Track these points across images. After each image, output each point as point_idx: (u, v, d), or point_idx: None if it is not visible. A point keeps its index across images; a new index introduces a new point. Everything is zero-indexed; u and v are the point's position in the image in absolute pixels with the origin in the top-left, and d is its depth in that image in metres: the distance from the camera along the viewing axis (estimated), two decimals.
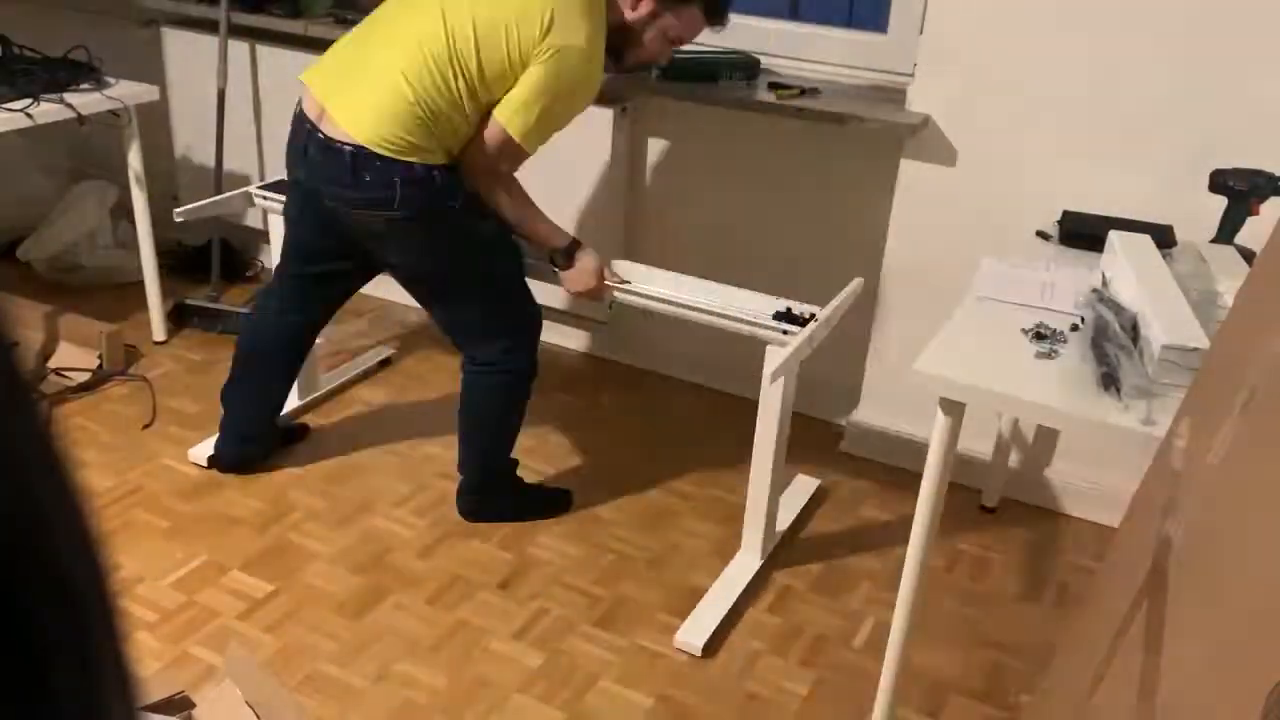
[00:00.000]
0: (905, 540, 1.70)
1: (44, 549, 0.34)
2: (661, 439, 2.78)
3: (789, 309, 2.12)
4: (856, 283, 2.25)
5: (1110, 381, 1.48)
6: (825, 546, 2.41)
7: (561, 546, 2.35)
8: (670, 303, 2.19)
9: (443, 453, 2.65)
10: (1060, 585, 2.33)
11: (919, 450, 2.65)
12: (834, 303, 2.14)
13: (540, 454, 2.67)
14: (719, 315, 2.14)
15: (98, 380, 2.81)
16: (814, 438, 2.81)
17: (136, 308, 3.10)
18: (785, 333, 2.07)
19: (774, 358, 2.01)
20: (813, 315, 2.10)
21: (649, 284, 2.24)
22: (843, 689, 2.02)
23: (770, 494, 2.24)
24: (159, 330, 3.07)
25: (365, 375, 2.99)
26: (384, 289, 3.45)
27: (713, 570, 2.28)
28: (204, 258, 3.32)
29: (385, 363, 3.06)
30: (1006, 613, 2.24)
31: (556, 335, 3.20)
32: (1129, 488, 2.57)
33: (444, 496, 2.46)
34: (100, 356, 2.84)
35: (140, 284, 3.02)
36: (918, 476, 1.66)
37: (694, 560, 2.34)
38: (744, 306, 2.14)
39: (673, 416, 2.89)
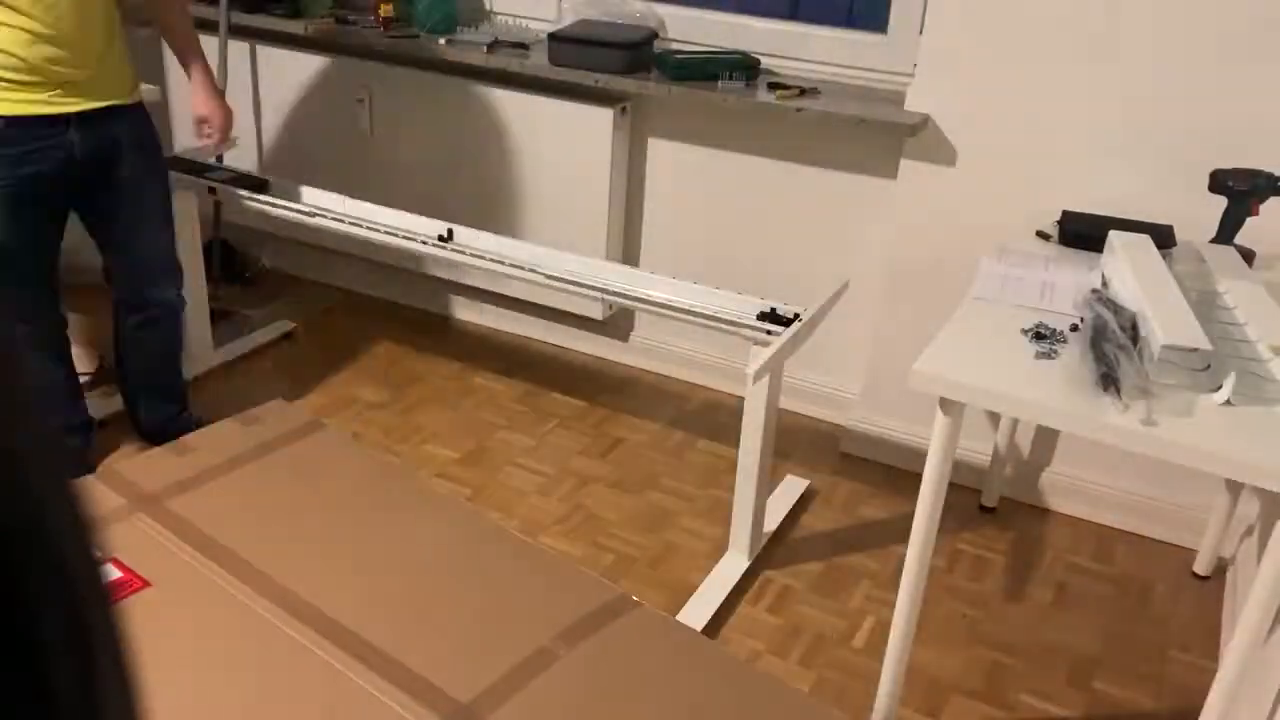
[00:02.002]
0: (905, 540, 1.70)
1: (44, 549, 0.34)
2: (660, 439, 2.78)
3: (773, 309, 2.12)
4: (843, 284, 2.25)
5: (1110, 381, 1.49)
6: (825, 547, 2.41)
7: (562, 546, 2.35)
8: (654, 304, 2.19)
9: (442, 453, 2.65)
10: (1060, 585, 2.33)
11: (919, 451, 2.66)
12: (818, 303, 2.14)
13: (539, 454, 2.68)
14: (703, 316, 2.14)
15: (98, 380, 2.81)
16: (813, 438, 2.81)
17: None
18: (769, 333, 2.07)
19: (757, 358, 2.02)
20: (797, 315, 2.10)
21: (632, 285, 2.24)
22: (843, 689, 2.02)
23: (757, 493, 2.24)
24: None
25: (266, 347, 3.10)
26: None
27: (712, 570, 2.29)
28: (203, 258, 3.32)
29: (287, 336, 3.17)
30: (1006, 613, 2.24)
31: (555, 335, 3.21)
32: (1128, 488, 2.59)
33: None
34: (100, 356, 2.84)
35: None
36: (917, 477, 1.66)
37: (694, 560, 2.34)
38: (728, 307, 2.14)
39: (672, 417, 2.89)
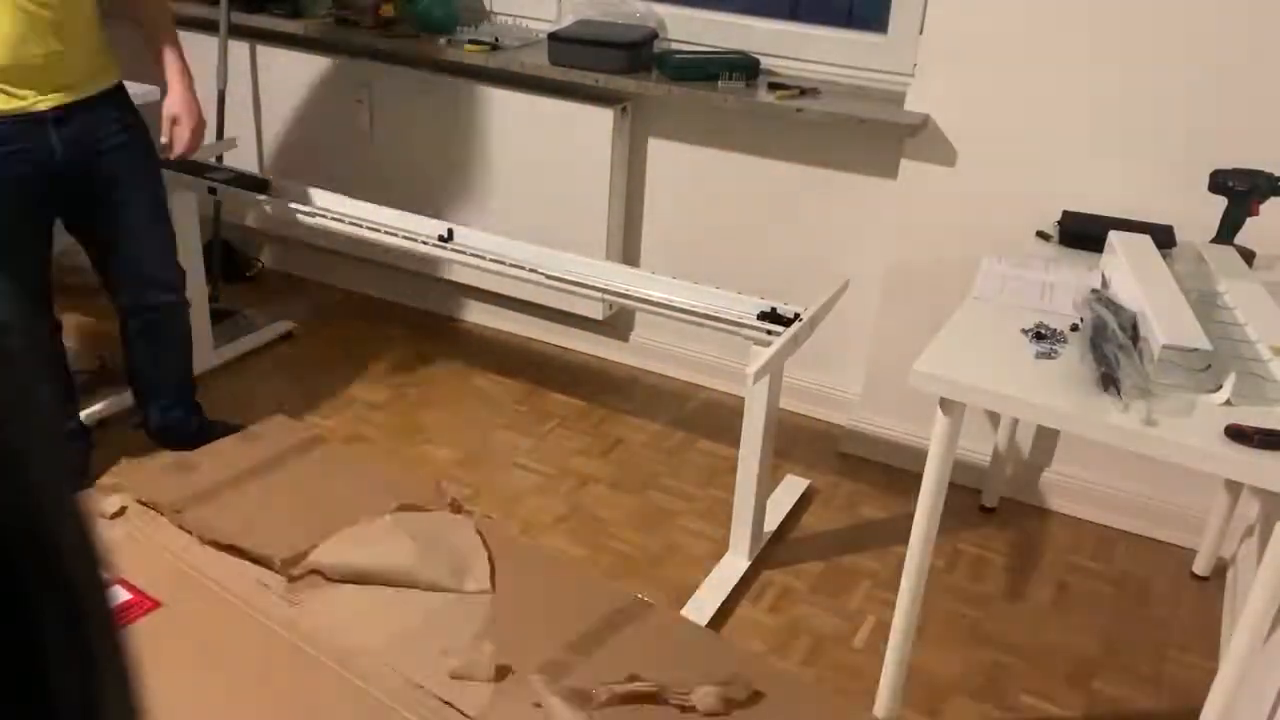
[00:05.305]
0: (905, 540, 1.70)
1: (44, 549, 0.34)
2: (660, 439, 2.78)
3: (774, 309, 2.12)
4: (843, 283, 2.25)
5: (1110, 381, 1.49)
6: (825, 547, 2.41)
7: (562, 546, 2.35)
8: (654, 304, 2.19)
9: (442, 453, 2.65)
10: (1060, 585, 2.32)
11: (919, 451, 2.66)
12: (818, 303, 2.14)
13: (539, 453, 2.68)
14: (703, 316, 2.14)
15: (98, 380, 2.81)
16: (813, 438, 2.81)
17: None
18: (769, 333, 2.07)
19: (757, 358, 2.02)
20: (797, 315, 2.10)
21: (632, 285, 2.25)
22: (843, 689, 2.02)
23: (757, 493, 2.24)
24: None
25: (266, 347, 3.10)
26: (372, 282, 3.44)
27: (712, 570, 2.29)
28: (203, 258, 3.32)
29: (287, 336, 3.17)
30: (1006, 613, 2.24)
31: (554, 335, 3.21)
32: (1128, 488, 2.58)
33: None
34: (100, 356, 2.84)
35: None
36: (917, 477, 1.66)
37: (695, 560, 2.34)
38: (728, 307, 2.14)
39: (672, 417, 2.89)
